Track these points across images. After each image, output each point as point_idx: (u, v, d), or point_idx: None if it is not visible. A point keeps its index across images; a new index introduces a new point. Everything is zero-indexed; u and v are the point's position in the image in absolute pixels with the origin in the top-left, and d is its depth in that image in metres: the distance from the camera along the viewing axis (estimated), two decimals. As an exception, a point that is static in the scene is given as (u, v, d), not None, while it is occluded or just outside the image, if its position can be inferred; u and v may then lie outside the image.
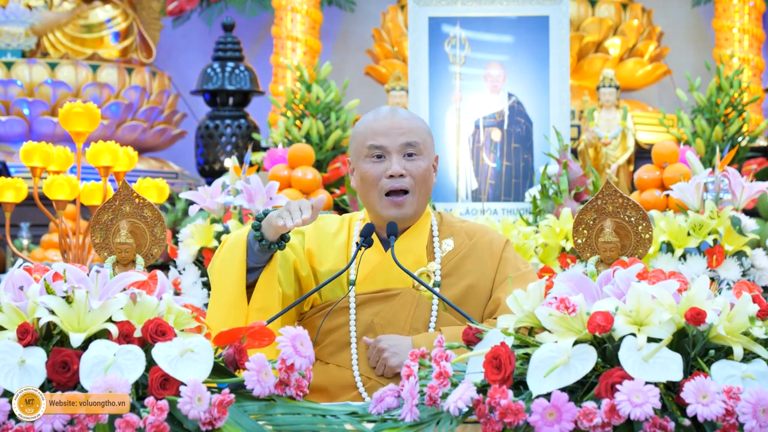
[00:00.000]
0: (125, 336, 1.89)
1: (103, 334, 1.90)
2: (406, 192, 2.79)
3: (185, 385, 1.80)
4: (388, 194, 2.79)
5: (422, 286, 2.77)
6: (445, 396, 1.84)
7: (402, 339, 2.75)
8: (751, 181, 4.51)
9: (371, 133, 2.80)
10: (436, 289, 2.79)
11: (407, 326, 2.78)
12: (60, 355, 1.84)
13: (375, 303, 2.81)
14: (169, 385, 1.82)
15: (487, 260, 2.86)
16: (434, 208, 5.58)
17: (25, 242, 7.02)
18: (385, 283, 2.81)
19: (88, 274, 1.99)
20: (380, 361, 2.73)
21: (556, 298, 1.91)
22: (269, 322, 2.52)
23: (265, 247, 2.66)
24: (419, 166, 2.80)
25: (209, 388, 1.84)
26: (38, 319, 1.90)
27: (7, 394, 1.80)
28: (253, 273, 2.72)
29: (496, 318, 2.72)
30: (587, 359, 1.79)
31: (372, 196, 2.81)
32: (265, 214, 2.69)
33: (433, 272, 2.82)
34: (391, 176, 2.77)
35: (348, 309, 2.81)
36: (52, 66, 8.23)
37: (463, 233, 2.90)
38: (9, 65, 8.15)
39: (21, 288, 1.98)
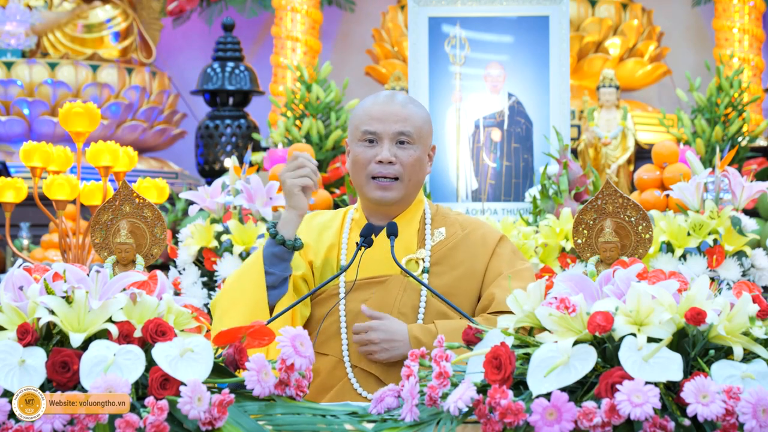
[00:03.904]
0: (125, 336, 1.89)
1: (103, 334, 1.90)
2: (395, 179, 2.80)
3: (185, 385, 1.80)
4: (375, 178, 2.80)
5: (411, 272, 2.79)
6: (445, 396, 1.84)
7: (396, 330, 2.73)
8: (751, 181, 4.51)
9: (367, 117, 2.83)
10: (425, 281, 2.79)
11: (395, 311, 2.79)
12: (60, 355, 1.84)
13: (363, 289, 2.82)
14: (169, 385, 1.82)
15: (479, 253, 2.85)
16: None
17: (25, 242, 7.02)
18: (373, 270, 2.82)
19: (88, 274, 2.00)
20: (367, 350, 2.75)
21: (556, 298, 1.91)
22: (269, 322, 2.52)
23: (290, 247, 2.71)
24: (410, 155, 2.81)
25: (209, 388, 1.84)
26: (38, 319, 1.90)
27: (7, 394, 1.80)
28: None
29: (489, 313, 2.73)
30: (587, 359, 1.79)
31: (360, 178, 2.83)
32: (274, 224, 2.74)
33: (422, 259, 2.83)
34: (380, 162, 2.79)
35: (337, 297, 2.82)
36: (52, 66, 8.23)
37: (457, 224, 2.91)
38: (9, 65, 8.15)
39: (21, 288, 1.98)
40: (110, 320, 1.91)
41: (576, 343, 1.82)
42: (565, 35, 5.95)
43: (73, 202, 4.29)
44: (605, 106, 6.54)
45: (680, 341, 1.84)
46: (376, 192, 2.81)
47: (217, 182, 4.64)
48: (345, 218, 2.92)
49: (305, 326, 2.80)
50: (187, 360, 1.85)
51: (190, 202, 5.45)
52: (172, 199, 7.20)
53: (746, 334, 1.86)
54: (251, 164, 4.86)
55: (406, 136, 2.81)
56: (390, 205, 2.84)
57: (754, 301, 1.93)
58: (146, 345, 1.89)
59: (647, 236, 2.49)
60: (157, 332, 1.89)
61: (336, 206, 5.98)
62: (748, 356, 1.84)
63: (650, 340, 1.80)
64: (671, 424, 1.72)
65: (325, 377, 2.79)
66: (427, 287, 2.75)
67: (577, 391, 1.80)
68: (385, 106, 2.84)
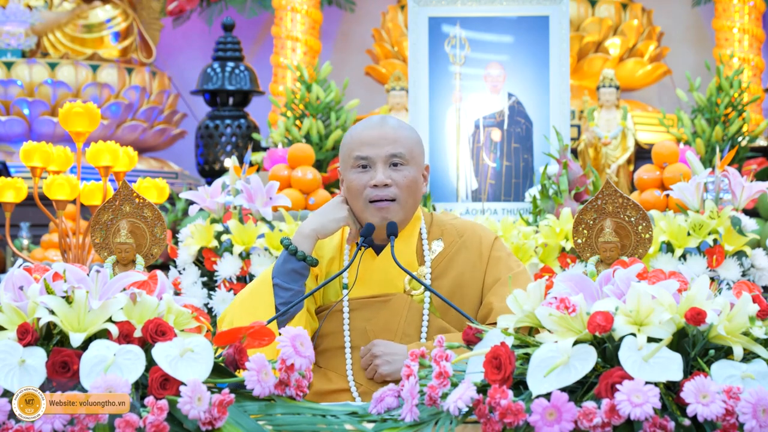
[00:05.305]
0: (125, 336, 1.89)
1: (103, 334, 1.90)
2: (392, 200, 2.79)
3: (185, 385, 1.80)
4: (372, 201, 2.79)
5: (414, 291, 2.78)
6: (445, 396, 1.84)
7: (397, 347, 2.74)
8: (751, 181, 4.51)
9: (357, 143, 2.80)
10: (428, 298, 2.79)
11: (399, 331, 2.79)
12: (60, 355, 1.84)
13: (367, 308, 2.81)
14: (169, 385, 1.82)
15: (476, 259, 2.85)
16: (434, 209, 5.60)
17: (25, 242, 7.02)
18: (377, 288, 2.81)
19: (88, 274, 1.99)
20: (372, 366, 2.74)
21: (556, 298, 1.91)
22: (269, 322, 2.52)
23: (309, 262, 2.75)
24: (405, 176, 2.79)
25: (209, 388, 1.84)
26: (38, 319, 1.90)
27: (7, 394, 1.80)
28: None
29: (489, 324, 2.72)
30: (587, 359, 1.79)
31: (358, 205, 2.81)
32: (289, 239, 2.77)
33: (423, 276, 2.82)
34: (375, 186, 2.77)
35: (341, 313, 2.82)
36: (52, 66, 8.23)
37: (454, 231, 2.90)
38: (9, 65, 8.15)
39: (21, 288, 1.98)
40: (110, 320, 1.92)
41: (576, 343, 1.82)
42: (565, 35, 5.95)
43: (73, 202, 4.28)
44: (605, 106, 6.54)
45: (680, 341, 1.84)
46: (375, 216, 2.79)
47: (217, 182, 4.63)
48: (344, 229, 2.90)
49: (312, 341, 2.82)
50: (187, 360, 1.85)
51: (190, 202, 5.45)
52: (172, 199, 7.20)
53: (746, 334, 1.86)
54: (251, 164, 4.86)
55: (398, 157, 2.79)
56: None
57: (754, 301, 1.93)
58: (146, 345, 1.89)
59: (647, 236, 2.49)
60: (157, 332, 1.89)
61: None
62: (748, 356, 1.84)
63: (650, 340, 1.80)
64: (671, 424, 1.72)
65: (329, 392, 2.79)
66: (430, 289, 2.75)
67: (577, 391, 1.80)
68: (374, 130, 2.81)
